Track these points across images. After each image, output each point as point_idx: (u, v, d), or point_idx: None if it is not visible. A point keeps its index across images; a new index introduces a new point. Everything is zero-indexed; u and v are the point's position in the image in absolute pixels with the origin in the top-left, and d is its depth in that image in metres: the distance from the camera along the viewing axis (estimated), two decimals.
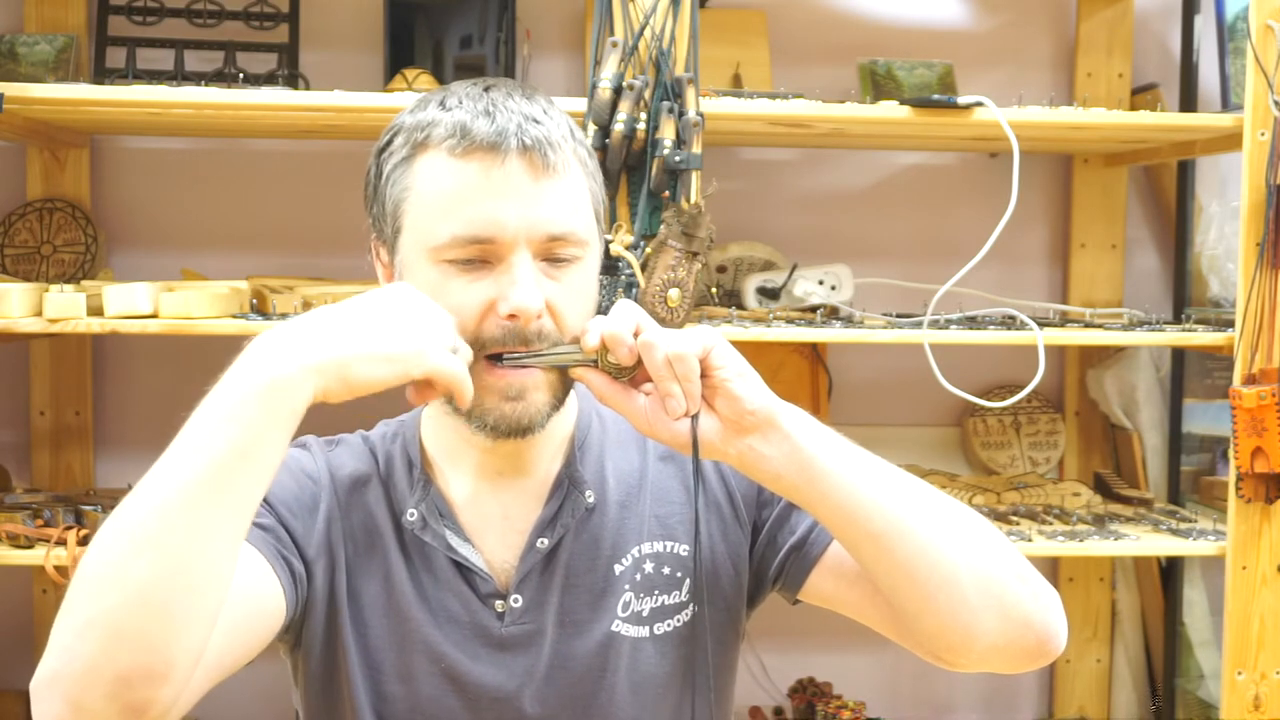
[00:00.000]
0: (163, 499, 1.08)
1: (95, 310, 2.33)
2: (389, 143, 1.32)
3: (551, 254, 1.28)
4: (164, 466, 1.09)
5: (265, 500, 1.27)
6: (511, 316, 1.25)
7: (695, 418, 1.23)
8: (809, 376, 2.97)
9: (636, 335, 1.22)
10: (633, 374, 1.24)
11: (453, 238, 1.26)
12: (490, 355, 1.27)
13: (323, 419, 1.29)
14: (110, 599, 1.06)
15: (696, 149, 2.32)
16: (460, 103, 1.29)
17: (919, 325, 2.52)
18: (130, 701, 1.06)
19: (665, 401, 1.22)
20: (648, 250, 2.34)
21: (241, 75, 2.62)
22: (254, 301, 2.46)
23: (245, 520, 1.12)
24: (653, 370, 1.22)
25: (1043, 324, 2.64)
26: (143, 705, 1.07)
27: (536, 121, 1.27)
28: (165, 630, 1.06)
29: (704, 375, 1.22)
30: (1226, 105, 2.70)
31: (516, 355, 1.26)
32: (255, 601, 1.25)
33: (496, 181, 1.25)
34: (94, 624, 1.06)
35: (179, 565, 1.07)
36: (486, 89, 1.30)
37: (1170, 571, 2.92)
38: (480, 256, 1.26)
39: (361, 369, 1.14)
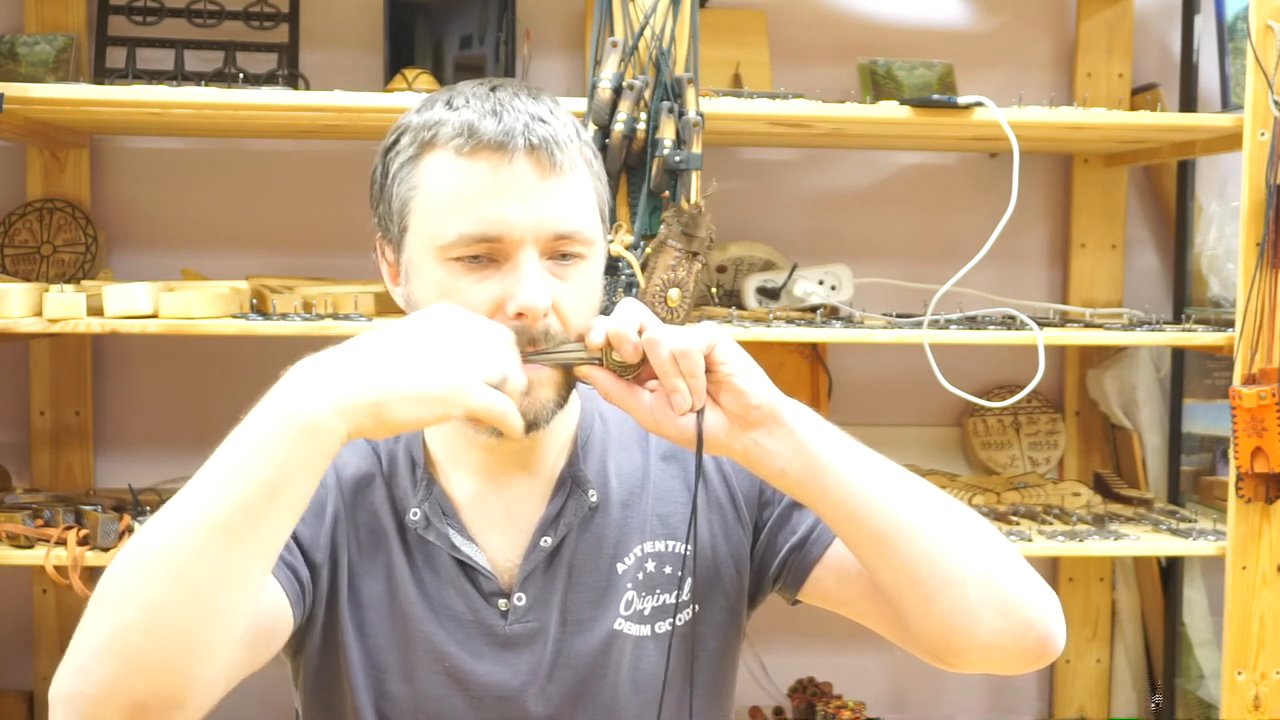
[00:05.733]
0: (188, 530, 1.07)
1: (95, 310, 2.33)
2: (395, 142, 1.32)
3: (558, 252, 1.28)
4: (191, 495, 1.08)
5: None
6: (519, 315, 1.25)
7: (700, 413, 1.23)
8: (809, 376, 2.97)
9: (641, 333, 1.23)
10: (637, 371, 1.24)
11: (460, 236, 1.26)
12: None
13: None
14: (130, 626, 1.06)
15: (696, 149, 2.32)
16: (467, 102, 1.29)
17: (919, 325, 2.52)
18: None
19: (670, 397, 1.22)
20: (648, 250, 2.35)
21: (241, 75, 2.62)
22: (254, 301, 2.45)
23: (270, 557, 1.11)
24: (658, 367, 1.22)
25: (1043, 324, 2.64)
26: None
27: (543, 121, 1.27)
28: (183, 660, 1.07)
29: (709, 371, 1.22)
30: (1226, 105, 2.71)
31: (522, 355, 1.26)
32: (263, 615, 1.25)
33: (504, 180, 1.25)
34: (111, 648, 1.06)
35: (199, 597, 1.07)
36: (493, 89, 1.31)
37: (1170, 571, 2.92)
38: (487, 255, 1.26)
39: (397, 410, 1.10)
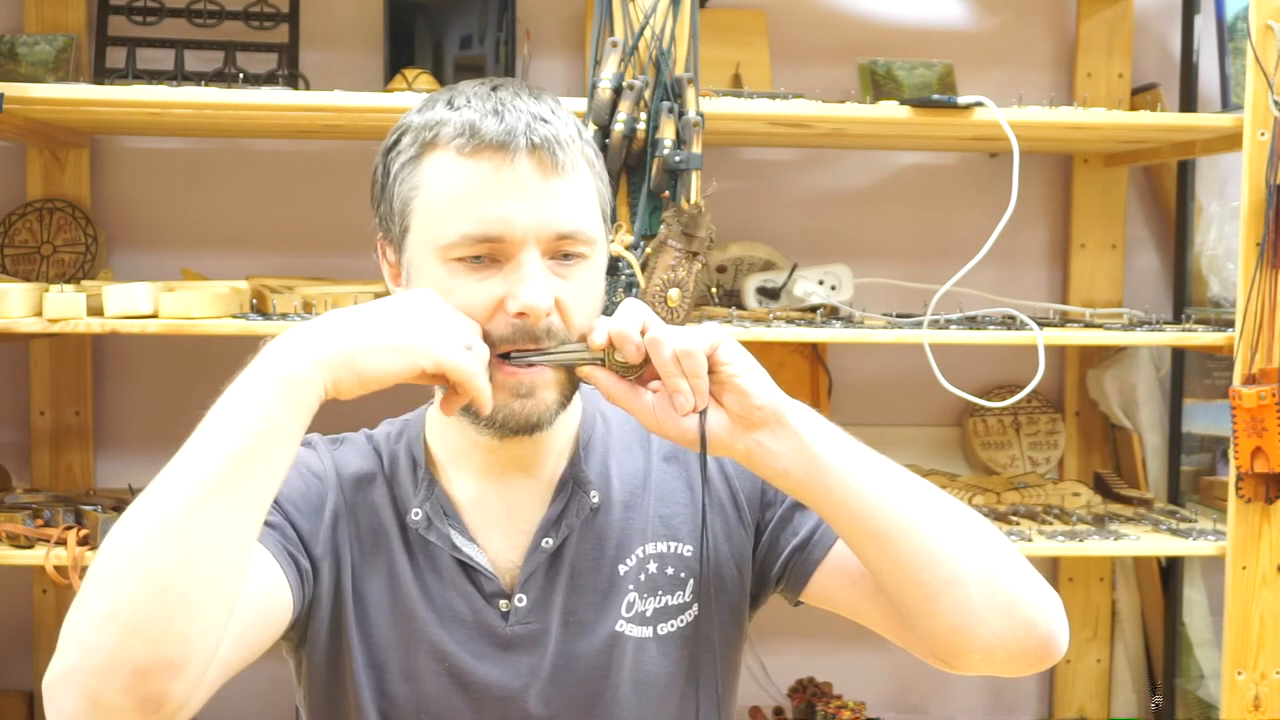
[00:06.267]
0: (182, 491, 1.10)
1: (95, 310, 2.33)
2: (396, 142, 1.32)
3: (560, 252, 1.28)
4: (181, 461, 1.12)
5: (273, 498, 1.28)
6: (521, 314, 1.25)
7: (703, 414, 1.23)
8: (809, 376, 2.97)
9: (644, 333, 1.23)
10: (640, 372, 1.24)
11: (462, 236, 1.26)
12: (499, 354, 1.27)
13: (328, 417, 1.28)
14: (130, 590, 1.07)
15: (696, 149, 2.32)
16: (468, 102, 1.29)
17: (919, 325, 2.52)
18: (147, 695, 1.07)
19: (673, 398, 1.22)
20: (648, 250, 2.35)
21: (241, 75, 2.62)
22: (254, 301, 2.46)
23: (261, 512, 1.14)
24: (660, 367, 1.22)
25: (1043, 324, 2.64)
26: (159, 698, 1.07)
27: (545, 120, 1.27)
28: (184, 620, 1.07)
29: (711, 371, 1.22)
30: (1226, 105, 2.71)
31: (524, 354, 1.26)
32: (264, 599, 1.25)
33: (506, 180, 1.25)
34: (113, 616, 1.07)
35: (199, 555, 1.08)
36: (494, 88, 1.31)
37: (1170, 571, 2.92)
38: (489, 254, 1.26)
39: (369, 360, 1.17)
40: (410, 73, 2.60)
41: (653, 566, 1.39)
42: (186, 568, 1.08)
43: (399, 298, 1.23)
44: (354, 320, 1.19)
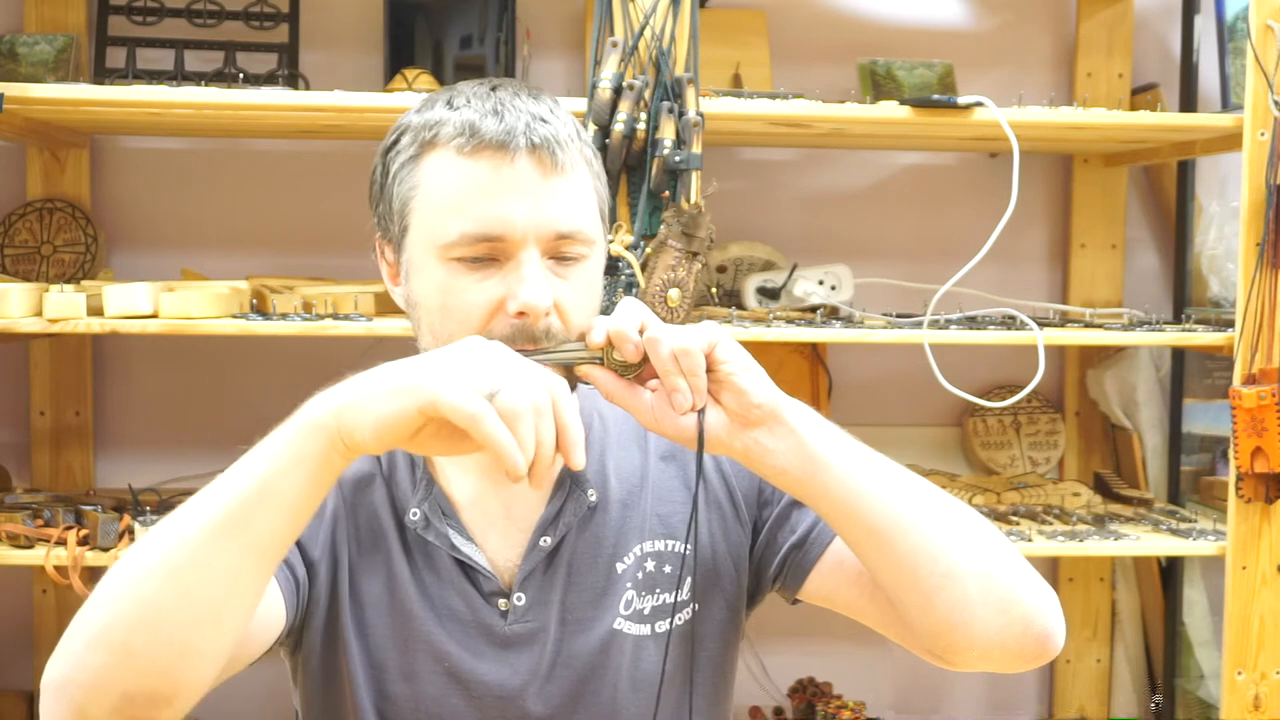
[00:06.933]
0: (188, 528, 1.10)
1: (95, 310, 2.33)
2: (395, 142, 1.33)
3: (559, 252, 1.28)
4: (197, 497, 1.11)
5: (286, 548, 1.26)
6: (520, 314, 1.25)
7: (701, 412, 1.23)
8: (809, 376, 2.97)
9: (642, 332, 1.23)
10: (638, 370, 1.24)
11: (461, 235, 1.26)
12: None
13: None
14: (124, 618, 1.08)
15: (696, 149, 2.32)
16: (468, 102, 1.29)
17: (919, 325, 2.52)
18: (134, 717, 1.08)
19: (671, 396, 1.22)
20: (648, 250, 2.35)
21: (241, 75, 2.62)
22: (254, 301, 2.45)
23: (266, 560, 1.12)
24: (658, 365, 1.22)
25: (1043, 324, 2.64)
26: None
27: (544, 120, 1.27)
28: (174, 657, 1.08)
29: (709, 370, 1.22)
30: (1226, 105, 2.71)
31: (523, 353, 1.26)
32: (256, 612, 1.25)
33: (505, 179, 1.26)
34: (105, 639, 1.08)
35: (194, 596, 1.08)
36: (493, 88, 1.31)
37: (1170, 571, 2.92)
38: (489, 254, 1.27)
39: (371, 404, 1.09)
40: (410, 73, 2.60)
41: (650, 565, 1.39)
42: (181, 608, 1.08)
43: (464, 344, 1.14)
44: (385, 367, 1.12)
